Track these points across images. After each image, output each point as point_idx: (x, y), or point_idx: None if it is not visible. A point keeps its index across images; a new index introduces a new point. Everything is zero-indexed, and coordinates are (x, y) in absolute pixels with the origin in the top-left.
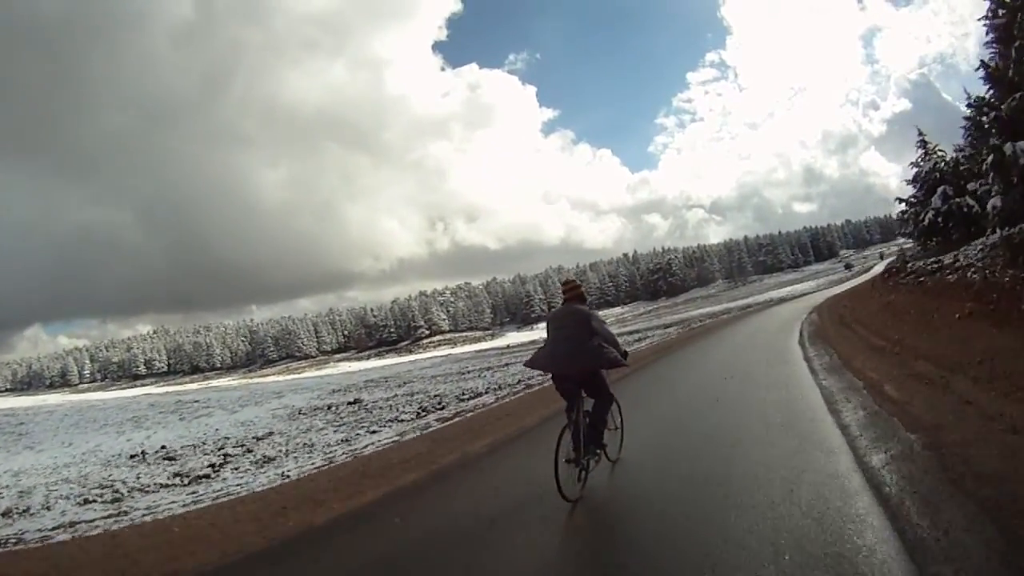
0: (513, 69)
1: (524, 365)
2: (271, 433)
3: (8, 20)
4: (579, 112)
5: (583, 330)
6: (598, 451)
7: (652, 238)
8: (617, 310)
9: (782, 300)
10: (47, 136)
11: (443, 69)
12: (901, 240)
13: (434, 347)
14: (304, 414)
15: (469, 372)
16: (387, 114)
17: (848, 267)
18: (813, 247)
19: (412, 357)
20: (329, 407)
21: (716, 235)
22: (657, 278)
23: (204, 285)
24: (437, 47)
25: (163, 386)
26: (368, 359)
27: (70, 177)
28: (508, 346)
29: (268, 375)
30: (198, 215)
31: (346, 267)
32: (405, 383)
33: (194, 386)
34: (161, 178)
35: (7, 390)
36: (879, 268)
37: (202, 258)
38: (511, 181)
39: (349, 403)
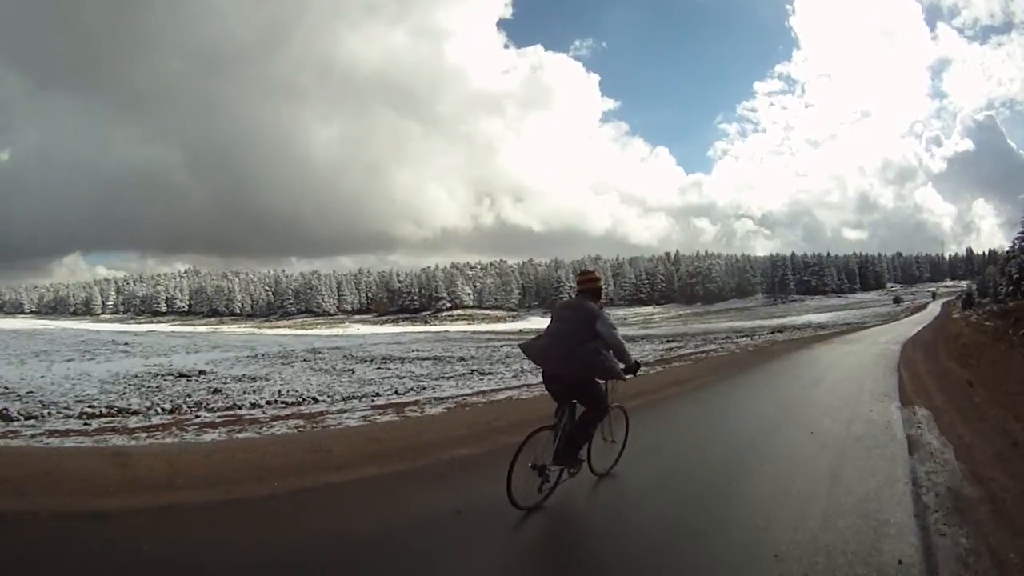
0: (578, 55)
1: (519, 347)
2: None
3: None
4: (640, 106)
5: (583, 330)
6: (574, 466)
7: (698, 242)
8: (648, 309)
9: (822, 330)
10: (104, 73)
11: (506, 47)
12: (962, 282)
13: (452, 321)
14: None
15: (410, 360)
16: (443, 85)
17: (897, 301)
18: (860, 275)
19: (422, 328)
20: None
21: (763, 248)
22: (695, 282)
23: (245, 232)
24: (502, 24)
25: (173, 325)
26: (382, 324)
27: (123, 115)
28: (521, 331)
29: (279, 327)
30: (246, 163)
31: (388, 230)
32: (329, 361)
33: (201, 329)
34: (212, 124)
35: (32, 312)
36: (934, 307)
37: (246, 205)
38: (563, 166)
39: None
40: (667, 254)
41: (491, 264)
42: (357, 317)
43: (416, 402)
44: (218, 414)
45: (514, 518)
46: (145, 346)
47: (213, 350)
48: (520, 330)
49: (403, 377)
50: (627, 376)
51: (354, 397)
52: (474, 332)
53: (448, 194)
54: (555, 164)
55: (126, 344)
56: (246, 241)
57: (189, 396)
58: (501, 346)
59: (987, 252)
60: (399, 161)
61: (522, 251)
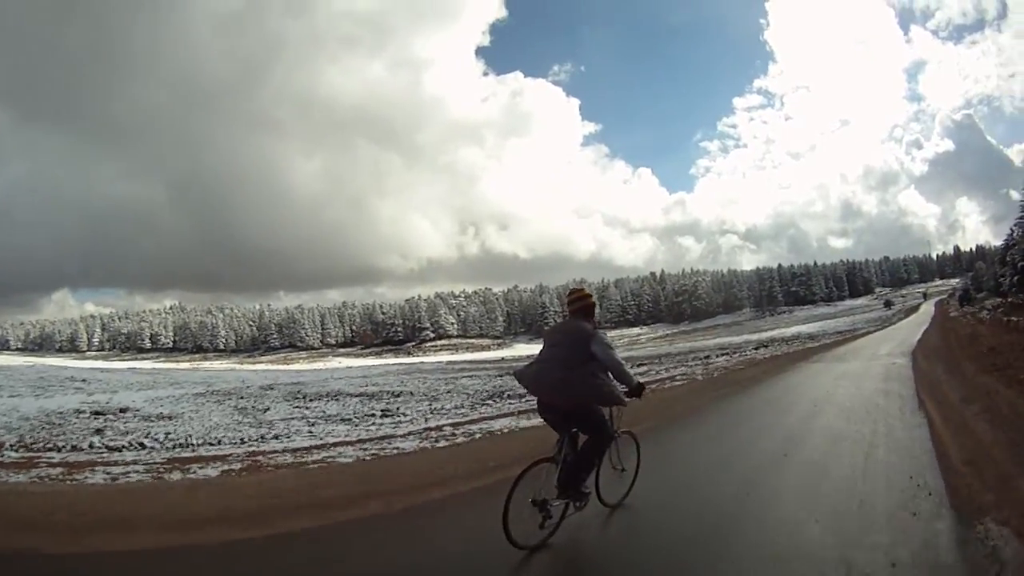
0: (557, 80)
1: (513, 375)
2: None
3: None
4: (621, 128)
5: (577, 353)
6: (579, 500)
7: (684, 261)
8: (635, 331)
9: (811, 341)
10: (85, 108)
11: (485, 74)
12: (951, 280)
13: (435, 351)
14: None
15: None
16: (423, 115)
17: (888, 305)
18: (848, 281)
19: (403, 360)
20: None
21: (749, 263)
22: (681, 300)
23: (231, 267)
24: (480, 52)
25: (156, 362)
26: (365, 357)
27: (105, 149)
28: (502, 359)
29: (261, 363)
30: (229, 198)
31: (374, 262)
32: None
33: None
34: (194, 159)
35: (18, 349)
36: (928, 307)
37: (230, 240)
38: (546, 192)
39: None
40: (652, 274)
41: (475, 292)
42: (342, 351)
43: (220, 457)
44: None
45: (515, 560)
46: (101, 383)
47: (168, 387)
48: (502, 358)
49: (305, 418)
50: (629, 399)
51: (227, 442)
52: (449, 363)
53: (432, 224)
54: (538, 190)
55: (83, 381)
56: (232, 276)
57: (63, 435)
58: (460, 378)
59: (974, 248)
60: (382, 193)
61: (508, 278)
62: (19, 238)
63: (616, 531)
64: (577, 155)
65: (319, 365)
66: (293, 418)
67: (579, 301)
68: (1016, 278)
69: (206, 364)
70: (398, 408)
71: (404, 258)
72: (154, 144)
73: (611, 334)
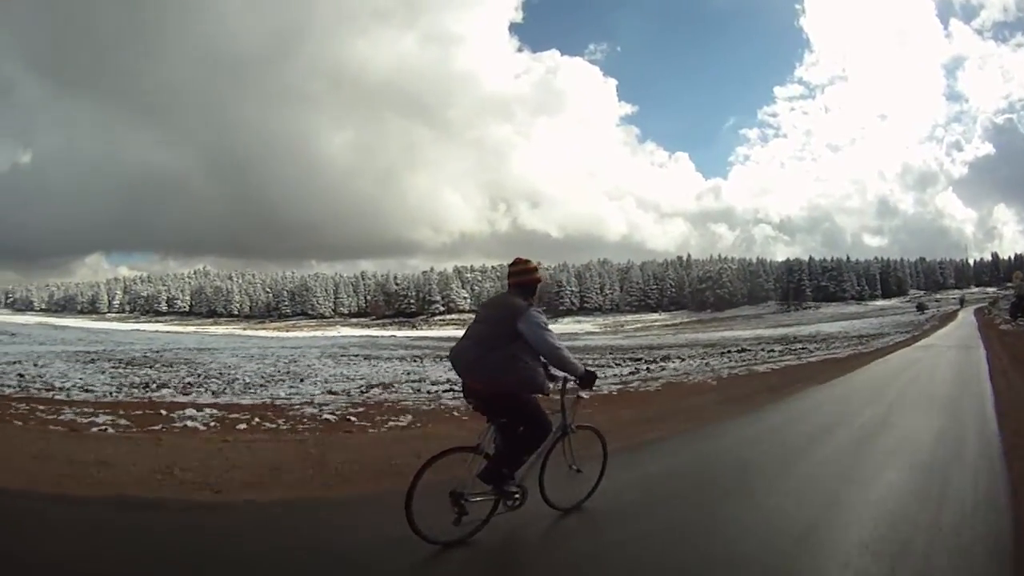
0: (593, 59)
1: (449, 357)
2: None
3: None
4: (658, 111)
5: (500, 332)
6: (507, 497)
7: (717, 248)
8: (653, 316)
9: (833, 343)
10: (120, 80)
11: (520, 51)
12: (988, 288)
13: (442, 325)
14: None
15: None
16: (454, 90)
17: (921, 308)
18: (882, 281)
19: (403, 332)
20: None
21: (782, 255)
22: (705, 288)
23: (263, 235)
24: (514, 29)
25: (170, 324)
26: (369, 328)
27: (139, 120)
28: None
29: (267, 329)
30: (261, 168)
31: (406, 235)
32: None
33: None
34: (226, 130)
35: (41, 310)
36: (967, 316)
37: (262, 209)
38: (579, 171)
39: None
40: (679, 258)
41: (492, 268)
42: (354, 320)
43: None
44: None
45: (421, 554)
46: (29, 338)
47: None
48: None
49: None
50: (577, 390)
51: None
52: (427, 336)
53: (464, 199)
54: (571, 169)
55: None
56: (265, 244)
57: None
58: (385, 359)
59: (1012, 257)
60: (412, 166)
61: (539, 256)
62: (54, 204)
63: (560, 534)
64: (613, 136)
65: (316, 333)
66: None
67: (520, 274)
68: None
69: (212, 328)
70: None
71: (436, 231)
72: (187, 116)
73: (627, 318)
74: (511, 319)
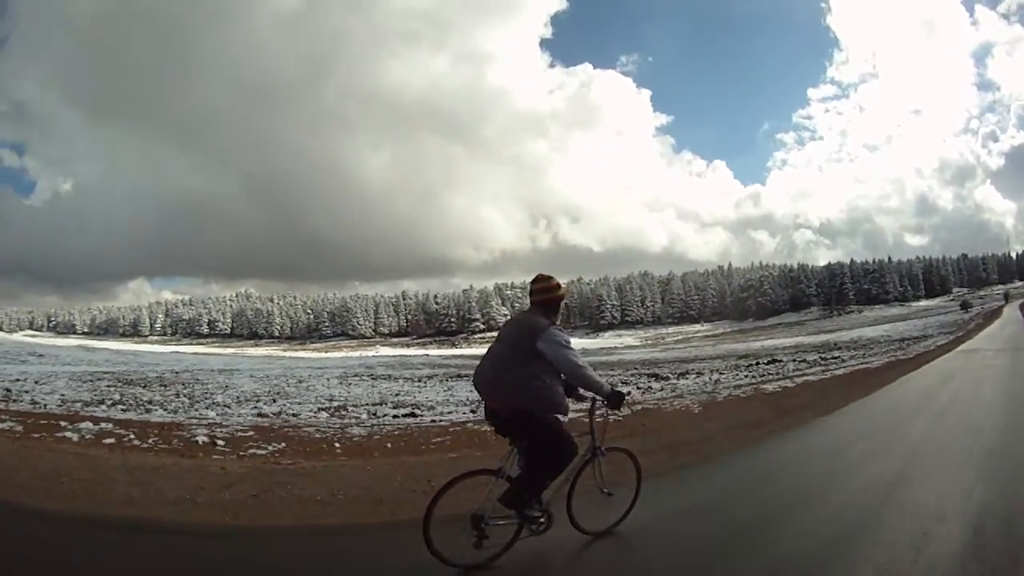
0: (626, 71)
1: (472, 380)
2: None
3: (129, 7)
4: (693, 120)
5: (520, 351)
6: (531, 522)
7: (758, 255)
8: (694, 327)
9: (868, 351)
10: (157, 107)
11: (552, 66)
12: None
13: (481, 343)
14: None
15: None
16: (488, 108)
17: (965, 307)
18: (924, 280)
19: (439, 351)
20: None
21: (824, 260)
22: (746, 296)
23: (305, 257)
24: (544, 44)
25: (209, 347)
26: (409, 347)
27: (175, 146)
28: None
29: (306, 350)
30: (299, 191)
31: (447, 254)
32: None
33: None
34: (263, 153)
35: (84, 333)
36: (1013, 312)
37: (302, 232)
38: (617, 184)
39: None
40: (721, 267)
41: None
42: (394, 340)
43: None
44: None
45: None
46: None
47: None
48: None
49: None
50: (613, 411)
51: None
52: (462, 354)
53: (504, 216)
54: (610, 182)
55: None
56: (307, 266)
57: None
58: (401, 375)
59: None
60: (450, 185)
61: (583, 271)
62: (95, 231)
63: (587, 559)
64: (649, 147)
65: (352, 354)
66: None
67: (543, 292)
68: None
69: (249, 351)
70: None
71: (477, 249)
72: (223, 141)
73: (668, 330)
74: (530, 338)
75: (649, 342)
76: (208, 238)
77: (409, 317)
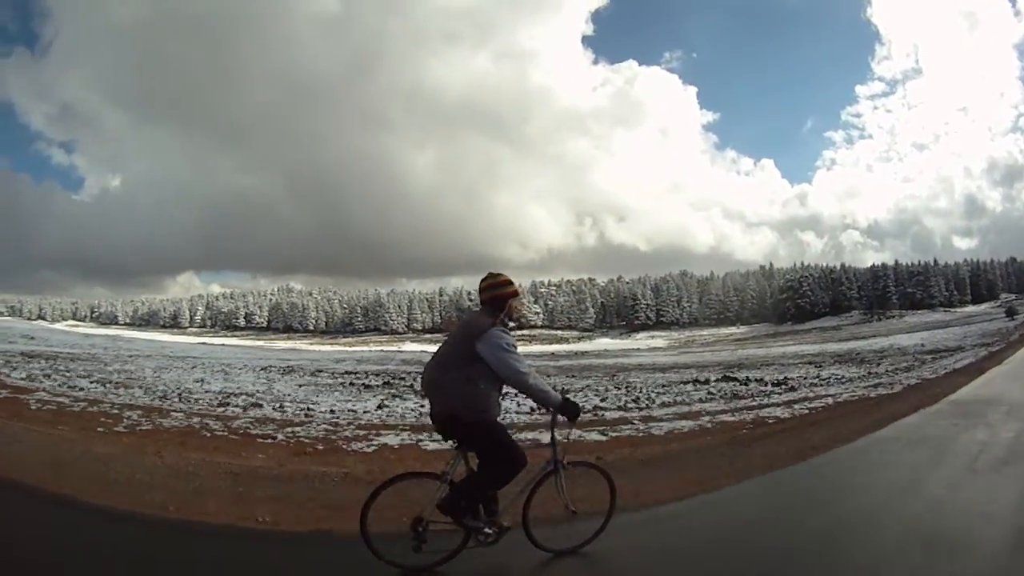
0: (670, 67)
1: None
2: None
3: (171, 11)
4: (739, 117)
5: (460, 352)
6: (478, 531)
7: (805, 257)
8: (729, 330)
9: (879, 368)
10: (202, 109)
11: (595, 63)
12: None
13: None
14: None
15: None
16: (531, 106)
17: (1011, 314)
18: (971, 284)
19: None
20: None
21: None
22: (785, 298)
23: (352, 254)
24: (587, 41)
25: (243, 339)
26: (433, 344)
27: (221, 145)
28: (553, 354)
29: (336, 344)
30: (344, 189)
31: (493, 252)
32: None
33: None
34: (308, 153)
35: (125, 324)
36: None
37: (348, 229)
38: (664, 183)
39: None
40: (762, 267)
41: (567, 282)
42: (426, 336)
43: None
44: None
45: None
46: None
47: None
48: (552, 353)
49: None
50: (569, 421)
51: None
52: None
53: (549, 214)
54: (655, 181)
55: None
56: (355, 262)
57: None
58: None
59: None
60: (494, 184)
61: (630, 270)
62: (144, 227)
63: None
64: (696, 145)
65: (364, 348)
66: None
67: (489, 290)
68: None
69: (275, 343)
70: None
71: (524, 247)
72: (269, 140)
73: (703, 332)
74: (470, 339)
75: (677, 345)
76: (255, 234)
77: (443, 313)
